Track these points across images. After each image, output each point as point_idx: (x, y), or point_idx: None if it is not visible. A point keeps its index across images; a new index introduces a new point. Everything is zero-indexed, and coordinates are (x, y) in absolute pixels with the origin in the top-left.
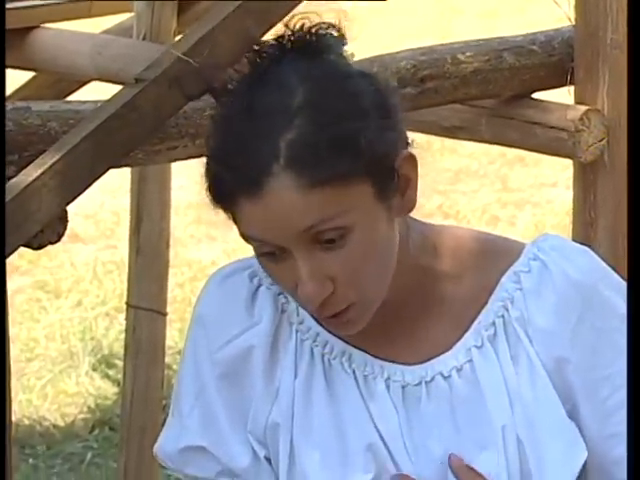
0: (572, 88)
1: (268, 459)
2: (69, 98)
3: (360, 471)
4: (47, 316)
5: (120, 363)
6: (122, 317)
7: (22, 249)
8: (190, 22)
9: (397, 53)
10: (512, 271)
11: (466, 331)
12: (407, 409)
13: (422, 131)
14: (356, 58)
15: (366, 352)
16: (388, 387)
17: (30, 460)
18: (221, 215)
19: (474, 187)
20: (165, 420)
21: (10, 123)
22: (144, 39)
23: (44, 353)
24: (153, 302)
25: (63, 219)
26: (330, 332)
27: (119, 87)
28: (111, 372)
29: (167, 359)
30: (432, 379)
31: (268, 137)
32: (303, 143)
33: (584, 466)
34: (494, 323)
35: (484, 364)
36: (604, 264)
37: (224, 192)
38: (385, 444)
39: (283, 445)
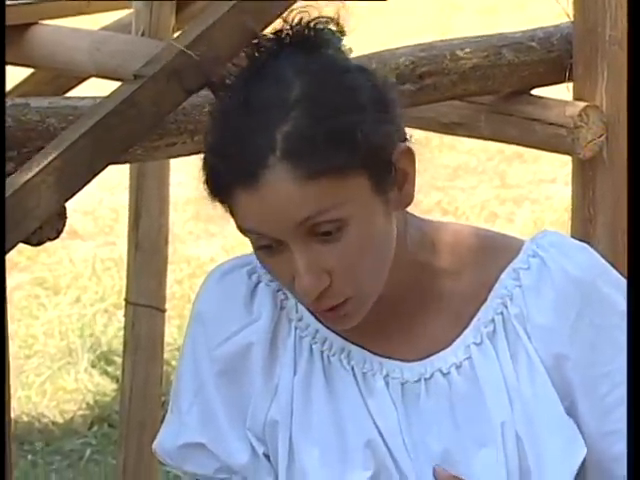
0: (571, 84)
1: (267, 456)
2: (68, 94)
3: (359, 468)
4: (46, 313)
5: (119, 360)
6: (121, 314)
7: (21, 245)
8: (188, 19)
9: (396, 49)
10: (511, 268)
11: (465, 328)
12: (406, 406)
13: (421, 127)
14: (355, 54)
15: (365, 349)
16: (387, 384)
17: (29, 456)
18: (219, 210)
19: (473, 183)
20: (164, 416)
21: (9, 119)
22: (143, 35)
23: (43, 350)
24: (152, 298)
25: (62, 215)
26: (329, 329)
27: (118, 83)
28: (110, 369)
29: (166, 355)
30: (431, 376)
31: (265, 130)
32: (299, 135)
33: (583, 463)
34: (493, 320)
35: (483, 361)
36: (603, 261)
37: (221, 185)
38: (384, 441)
39: (282, 442)
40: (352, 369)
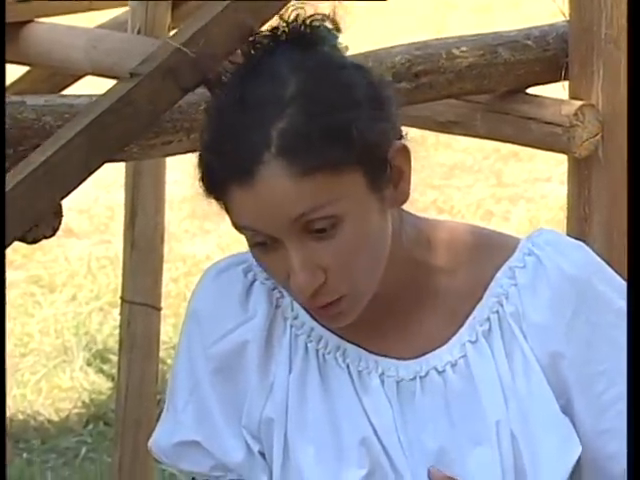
0: (567, 83)
1: (262, 454)
2: (64, 92)
3: (354, 466)
4: (41, 311)
5: (114, 358)
6: (116, 312)
7: (16, 243)
8: (184, 17)
9: (392, 48)
10: (507, 266)
11: (461, 326)
12: (401, 404)
13: (417, 126)
14: (351, 53)
15: (360, 347)
16: (382, 382)
17: (24, 455)
18: (215, 208)
19: (468, 182)
20: (159, 415)
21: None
22: (139, 34)
23: (38, 348)
24: (147, 297)
25: (58, 214)
26: (324, 327)
27: (114, 81)
28: (105, 367)
29: (161, 354)
30: (426, 374)
31: (260, 126)
32: (295, 132)
33: (578, 461)
34: (489, 318)
35: (478, 359)
36: (599, 259)
37: (216, 181)
38: (379, 439)
39: (277, 440)
40: (347, 367)
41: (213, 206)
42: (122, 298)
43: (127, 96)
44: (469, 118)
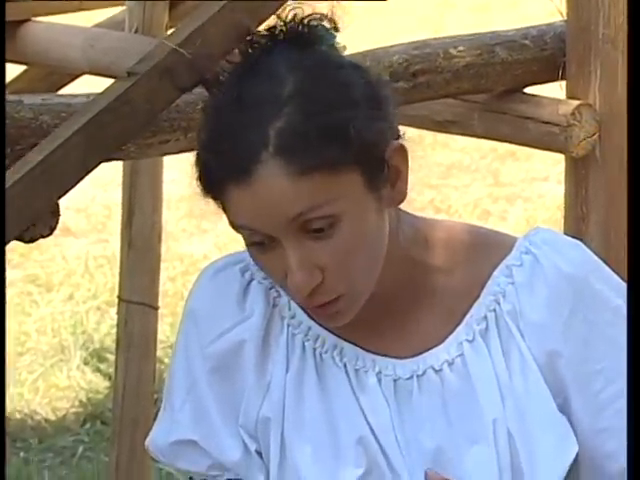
0: (564, 83)
1: (259, 453)
2: (61, 91)
3: (351, 465)
4: (38, 310)
5: (111, 357)
6: (113, 311)
7: (13, 242)
8: (181, 16)
9: (389, 47)
10: (504, 265)
11: (458, 325)
12: (399, 403)
13: (414, 125)
14: (349, 52)
15: (358, 346)
16: (380, 381)
17: (21, 454)
18: (212, 207)
19: (466, 182)
20: (157, 414)
21: None
22: (136, 33)
23: (35, 347)
24: (145, 296)
25: (55, 213)
26: (322, 326)
27: (111, 80)
28: (102, 366)
29: (159, 353)
30: (424, 373)
31: (257, 126)
32: (292, 131)
33: (576, 460)
34: (486, 317)
35: (476, 358)
36: (596, 257)
37: (213, 180)
38: (376, 438)
39: (274, 439)
40: (344, 366)
41: (210, 205)
42: (119, 297)
43: (124, 95)
44: (466, 117)
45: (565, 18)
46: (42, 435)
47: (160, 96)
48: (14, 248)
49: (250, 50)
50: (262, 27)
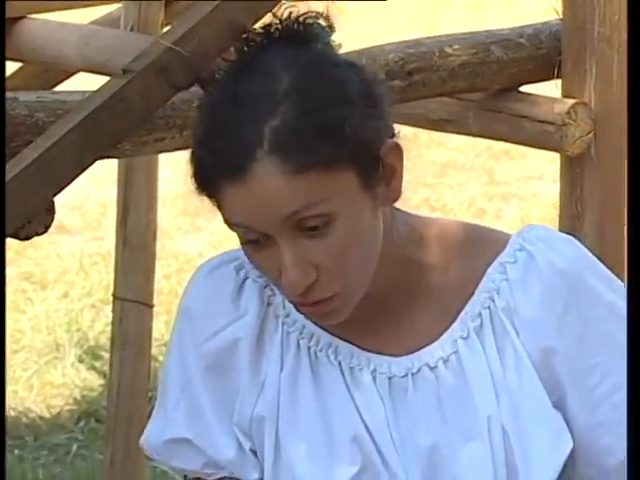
0: (559, 81)
1: (253, 451)
2: (56, 89)
3: (346, 463)
4: (33, 307)
5: (106, 355)
6: (108, 309)
7: (8, 240)
8: (177, 14)
9: (385, 46)
10: (498, 262)
11: (452, 322)
12: (393, 400)
13: (409, 124)
14: (345, 51)
15: (352, 344)
16: (374, 379)
17: (16, 451)
18: (207, 205)
19: (461, 180)
20: (151, 412)
21: None
22: (131, 30)
23: (30, 344)
24: (139, 294)
25: (50, 210)
26: (316, 324)
27: (106, 78)
28: (97, 364)
29: (153, 351)
30: (418, 370)
31: (253, 123)
32: (287, 129)
33: (572, 455)
34: (480, 314)
35: (470, 355)
36: (590, 254)
37: (208, 178)
38: (371, 436)
39: (268, 437)
40: (339, 364)
41: (205, 203)
42: (114, 295)
43: (120, 93)
44: (462, 116)
45: (560, 17)
46: (36, 433)
47: (156, 94)
48: (9, 245)
49: (246, 48)
50: (258, 25)
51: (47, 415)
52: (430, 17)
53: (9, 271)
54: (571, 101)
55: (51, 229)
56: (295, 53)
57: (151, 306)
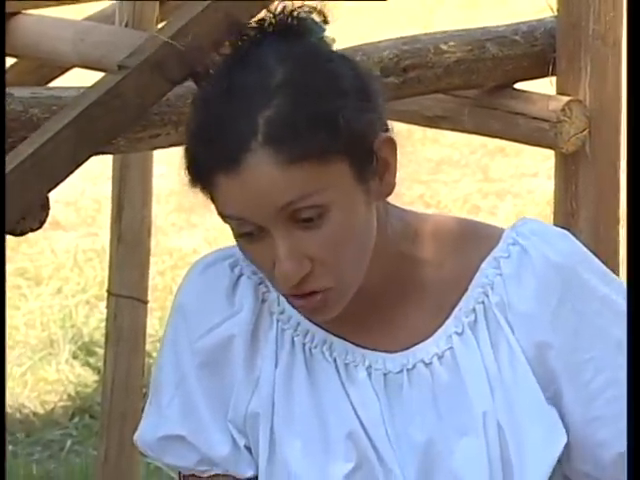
0: (554, 79)
1: (248, 448)
2: (51, 84)
3: (341, 459)
4: (27, 303)
5: (100, 351)
6: (103, 305)
7: None
8: (172, 10)
9: (380, 42)
10: (492, 257)
11: (447, 318)
12: (389, 397)
13: (404, 120)
14: (339, 47)
15: (347, 340)
16: (369, 375)
17: (9, 447)
18: (202, 201)
19: (455, 177)
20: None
21: None
22: (126, 26)
23: (24, 340)
24: (134, 290)
25: (45, 206)
26: (311, 321)
27: (101, 74)
28: (91, 360)
29: (148, 347)
30: (414, 366)
31: (247, 115)
32: (281, 120)
33: (567, 450)
34: (474, 309)
35: (465, 351)
36: (584, 248)
37: (202, 170)
38: (366, 432)
39: (263, 434)
40: (334, 361)
41: (200, 199)
42: (109, 291)
43: (115, 89)
44: (457, 113)
45: (555, 14)
46: (30, 429)
47: (151, 90)
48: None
49: (240, 42)
50: (252, 20)
51: (41, 411)
52: (425, 14)
53: None
54: (566, 98)
55: (45, 225)
56: (289, 47)
57: (145, 302)
